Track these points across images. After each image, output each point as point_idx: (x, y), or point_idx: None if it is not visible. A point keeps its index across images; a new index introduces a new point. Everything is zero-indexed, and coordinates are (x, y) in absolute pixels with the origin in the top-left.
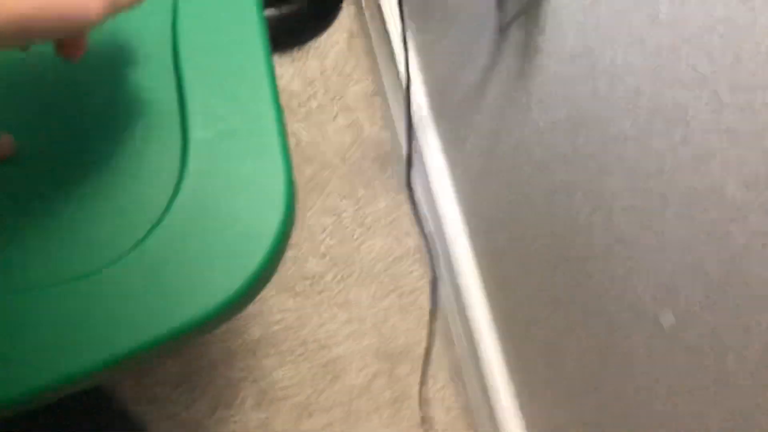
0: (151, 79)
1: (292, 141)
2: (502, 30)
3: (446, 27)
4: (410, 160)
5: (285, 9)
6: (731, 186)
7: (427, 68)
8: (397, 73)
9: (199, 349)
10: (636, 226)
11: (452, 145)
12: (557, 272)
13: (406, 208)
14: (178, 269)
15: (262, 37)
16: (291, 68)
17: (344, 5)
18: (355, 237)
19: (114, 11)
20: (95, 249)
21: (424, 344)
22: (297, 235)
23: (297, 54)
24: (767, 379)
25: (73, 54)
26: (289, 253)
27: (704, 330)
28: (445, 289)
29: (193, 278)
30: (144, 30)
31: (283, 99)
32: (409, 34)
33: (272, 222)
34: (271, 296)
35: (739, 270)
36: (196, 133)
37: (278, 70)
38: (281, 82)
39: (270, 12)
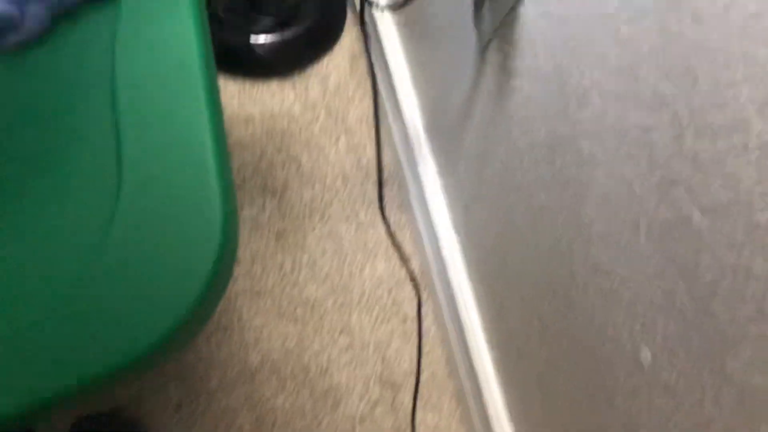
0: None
1: (292, 166)
2: (482, 50)
3: (436, 47)
4: (378, 182)
5: (286, 33)
6: (696, 215)
7: (421, 90)
8: (395, 94)
9: (199, 375)
10: (612, 255)
11: (446, 168)
12: (544, 302)
13: (409, 231)
14: (99, 315)
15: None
16: (292, 93)
17: (346, 28)
18: (356, 261)
19: None
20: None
21: (426, 372)
22: (297, 259)
23: (298, 78)
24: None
25: None
26: (290, 278)
27: (681, 370)
28: (443, 314)
29: (114, 323)
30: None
31: (284, 124)
32: (406, 56)
33: (206, 259)
34: (271, 322)
35: (707, 309)
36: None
37: (279, 95)
38: (283, 107)
39: (272, 37)
